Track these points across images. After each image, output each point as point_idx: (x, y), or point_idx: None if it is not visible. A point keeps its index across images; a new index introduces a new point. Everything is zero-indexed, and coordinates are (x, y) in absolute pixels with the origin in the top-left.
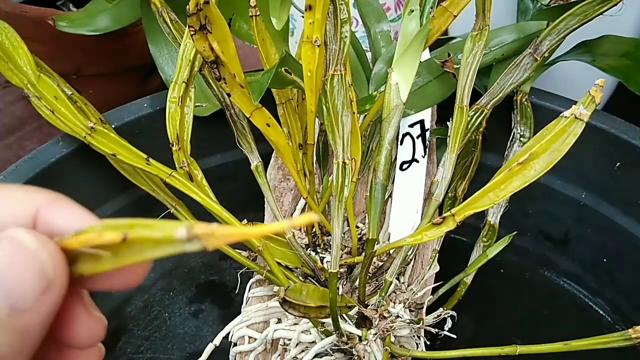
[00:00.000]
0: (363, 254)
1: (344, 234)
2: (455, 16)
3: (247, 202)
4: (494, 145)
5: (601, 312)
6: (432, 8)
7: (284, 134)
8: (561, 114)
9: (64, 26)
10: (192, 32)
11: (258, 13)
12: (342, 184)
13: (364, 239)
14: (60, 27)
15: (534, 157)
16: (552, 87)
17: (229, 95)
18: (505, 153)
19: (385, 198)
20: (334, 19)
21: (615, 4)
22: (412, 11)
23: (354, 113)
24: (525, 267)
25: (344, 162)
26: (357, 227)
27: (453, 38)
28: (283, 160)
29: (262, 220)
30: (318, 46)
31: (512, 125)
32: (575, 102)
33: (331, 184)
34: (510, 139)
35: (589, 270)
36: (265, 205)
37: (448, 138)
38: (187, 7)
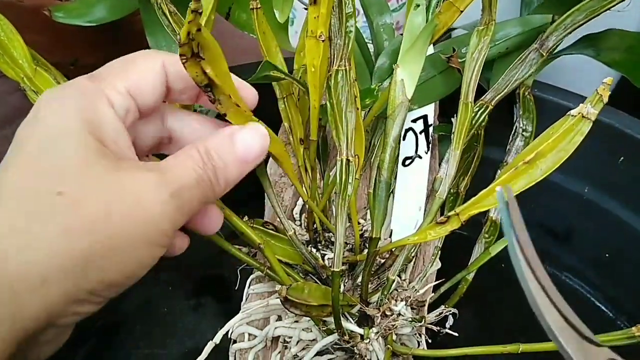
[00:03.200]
0: (365, 251)
1: (345, 230)
2: (462, 11)
3: (247, 197)
4: (495, 139)
5: (603, 307)
6: (437, 3)
7: (282, 144)
8: (568, 112)
9: (60, 17)
10: (183, 60)
11: (259, 6)
12: (346, 182)
13: (365, 235)
14: (56, 18)
15: (540, 156)
16: (553, 79)
17: (224, 115)
18: (507, 147)
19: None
20: (338, 13)
21: (623, 0)
22: (418, 6)
23: (357, 109)
24: None
25: (347, 159)
26: (358, 223)
27: (454, 29)
28: (283, 168)
29: (262, 216)
30: (322, 41)
31: (514, 118)
32: (577, 95)
33: (332, 180)
34: (513, 133)
35: (591, 265)
36: (265, 201)
37: (452, 134)
38: (177, 37)
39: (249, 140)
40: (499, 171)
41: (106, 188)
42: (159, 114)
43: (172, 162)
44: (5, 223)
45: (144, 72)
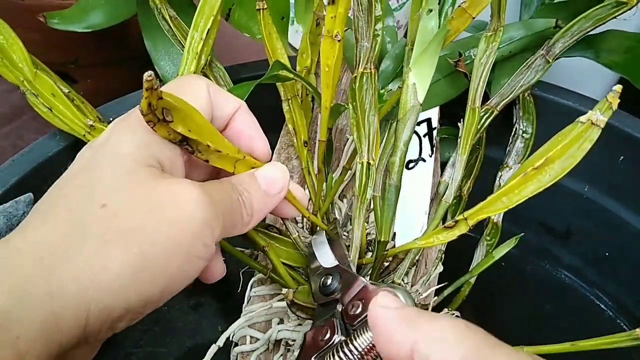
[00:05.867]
0: (371, 254)
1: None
2: (474, 18)
3: None
4: (495, 138)
5: (603, 306)
6: (450, 7)
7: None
8: (577, 119)
9: (55, 23)
10: (151, 125)
11: (265, 6)
12: (366, 185)
13: (369, 238)
14: (51, 24)
15: (549, 162)
16: (552, 78)
17: (207, 161)
18: (507, 149)
19: None
20: (367, 15)
21: (630, 8)
22: (431, 10)
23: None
24: (527, 260)
25: (368, 163)
26: None
27: None
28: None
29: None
30: (339, 41)
31: (514, 120)
32: (577, 93)
33: (336, 183)
34: (513, 134)
35: (591, 264)
36: None
37: (459, 139)
38: (139, 108)
39: (266, 174)
40: (499, 172)
41: (147, 197)
42: None
43: (206, 183)
44: (52, 238)
45: (196, 94)
